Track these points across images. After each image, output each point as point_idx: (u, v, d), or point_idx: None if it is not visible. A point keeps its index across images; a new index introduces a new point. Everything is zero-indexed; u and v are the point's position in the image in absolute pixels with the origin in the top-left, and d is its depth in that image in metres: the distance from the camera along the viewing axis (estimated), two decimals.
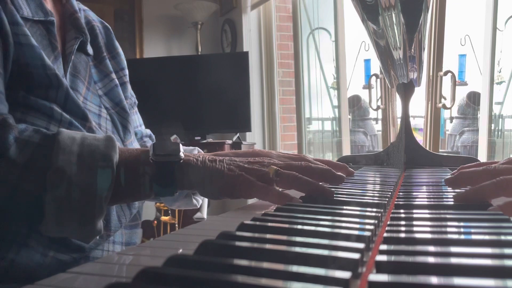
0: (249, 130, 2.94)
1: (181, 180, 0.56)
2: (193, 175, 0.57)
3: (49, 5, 0.69)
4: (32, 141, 0.52)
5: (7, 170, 0.49)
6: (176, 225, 2.60)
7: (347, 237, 0.35)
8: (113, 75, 0.78)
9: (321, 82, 2.94)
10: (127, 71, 0.85)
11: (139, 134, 0.89)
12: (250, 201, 0.63)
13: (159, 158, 0.55)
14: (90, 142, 0.53)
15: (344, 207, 0.50)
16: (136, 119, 0.89)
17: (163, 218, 2.62)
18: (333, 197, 0.55)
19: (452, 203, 0.52)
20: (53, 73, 0.62)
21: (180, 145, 0.58)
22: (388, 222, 0.41)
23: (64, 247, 0.59)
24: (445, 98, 1.85)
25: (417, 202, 0.54)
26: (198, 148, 0.86)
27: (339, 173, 0.65)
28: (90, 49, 0.75)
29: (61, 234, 0.51)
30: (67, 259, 0.60)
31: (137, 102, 0.90)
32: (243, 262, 0.28)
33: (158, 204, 2.55)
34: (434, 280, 0.24)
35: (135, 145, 0.80)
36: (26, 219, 0.54)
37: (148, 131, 0.93)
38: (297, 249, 0.31)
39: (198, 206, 0.85)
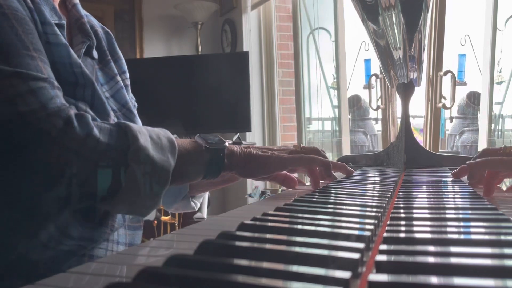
0: (249, 130, 2.93)
1: (227, 163, 0.67)
2: (235, 159, 0.68)
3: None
4: (104, 126, 0.58)
5: (93, 147, 0.56)
6: (176, 225, 2.60)
7: (347, 237, 0.35)
8: (118, 77, 0.80)
9: (321, 82, 2.94)
10: (128, 75, 0.86)
11: None
12: (250, 201, 0.64)
13: (212, 145, 0.66)
14: (151, 128, 0.61)
15: (344, 207, 0.50)
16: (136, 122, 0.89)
17: (163, 218, 2.62)
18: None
19: (451, 203, 0.52)
20: (79, 71, 0.64)
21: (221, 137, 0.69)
22: (388, 222, 0.41)
23: (71, 240, 0.59)
24: (445, 98, 1.85)
25: (417, 202, 0.54)
26: None
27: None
28: (95, 53, 0.76)
29: (128, 207, 0.58)
30: (74, 249, 0.60)
31: (136, 105, 0.90)
32: (243, 262, 0.28)
33: None
34: (433, 280, 0.24)
35: None
36: (99, 195, 0.58)
37: None
38: (297, 249, 0.31)
39: (196, 209, 0.85)
